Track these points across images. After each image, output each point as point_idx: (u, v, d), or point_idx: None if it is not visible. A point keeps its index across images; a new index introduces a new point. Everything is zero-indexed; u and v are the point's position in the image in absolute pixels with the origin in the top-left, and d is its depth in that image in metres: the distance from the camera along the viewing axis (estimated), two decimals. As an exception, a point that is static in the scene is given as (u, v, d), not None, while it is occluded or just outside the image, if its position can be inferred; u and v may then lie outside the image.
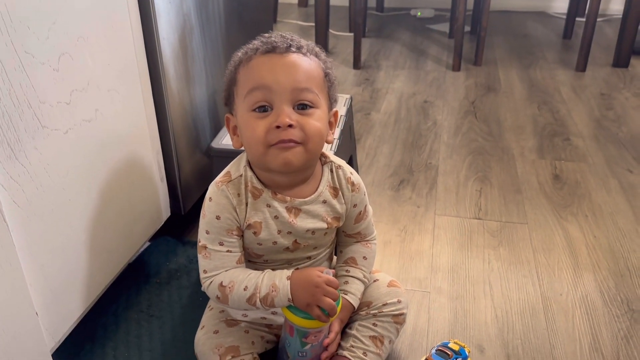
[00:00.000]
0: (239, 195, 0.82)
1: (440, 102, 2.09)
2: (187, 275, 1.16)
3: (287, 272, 0.81)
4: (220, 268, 0.83)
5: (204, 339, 0.88)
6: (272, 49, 0.78)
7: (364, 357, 0.87)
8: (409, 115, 1.98)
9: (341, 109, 1.33)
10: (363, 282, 0.92)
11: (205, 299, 1.00)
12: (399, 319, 0.91)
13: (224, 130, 1.22)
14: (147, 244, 1.22)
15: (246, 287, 0.81)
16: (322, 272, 0.80)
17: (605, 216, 1.37)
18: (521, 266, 1.20)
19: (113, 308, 1.07)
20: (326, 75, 0.82)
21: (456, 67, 2.40)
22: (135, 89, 1.02)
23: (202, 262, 0.84)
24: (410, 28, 3.11)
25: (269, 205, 0.83)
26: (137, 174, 1.06)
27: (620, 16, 2.41)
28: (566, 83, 2.27)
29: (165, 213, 1.19)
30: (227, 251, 0.84)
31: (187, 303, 1.09)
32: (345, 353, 0.87)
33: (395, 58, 2.60)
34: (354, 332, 0.89)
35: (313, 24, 2.67)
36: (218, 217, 0.82)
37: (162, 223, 1.19)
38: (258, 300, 0.80)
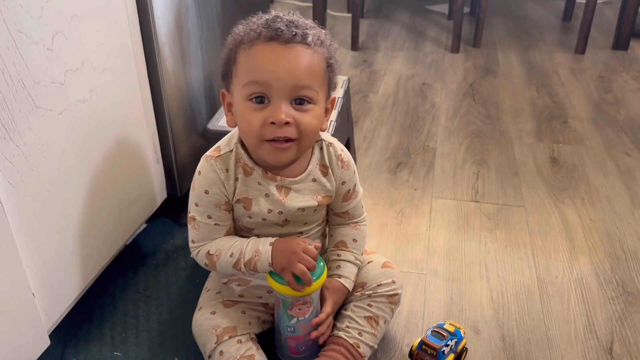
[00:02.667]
0: (227, 170, 0.83)
1: (439, 85, 2.08)
2: (184, 257, 1.16)
3: (271, 239, 0.84)
4: (207, 239, 0.86)
5: (201, 320, 0.88)
6: (275, 37, 0.74)
7: (359, 337, 0.87)
8: (407, 98, 1.97)
9: (338, 90, 1.32)
10: (355, 264, 0.92)
11: (202, 279, 1.00)
12: (393, 299, 0.92)
13: (220, 111, 1.21)
14: (144, 225, 1.22)
15: (232, 253, 0.84)
16: (304, 242, 0.81)
17: (602, 199, 1.37)
18: (517, 249, 1.20)
19: (110, 289, 1.07)
20: (329, 65, 0.79)
21: (455, 49, 2.39)
22: (130, 70, 1.01)
23: (191, 232, 0.87)
24: (409, 9, 3.08)
25: (259, 184, 0.84)
26: (133, 155, 1.05)
27: (621, -2, 2.39)
28: (565, 66, 2.26)
29: (162, 195, 1.19)
30: (215, 224, 0.85)
31: (183, 284, 1.09)
32: (341, 334, 0.87)
33: (393, 39, 2.58)
34: (349, 312, 0.90)
35: (310, 4, 2.64)
36: (206, 192, 0.83)
37: (159, 205, 1.19)
38: (242, 265, 0.83)
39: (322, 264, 0.84)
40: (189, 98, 1.21)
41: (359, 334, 0.88)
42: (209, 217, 0.85)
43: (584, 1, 2.32)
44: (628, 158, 1.56)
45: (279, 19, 0.77)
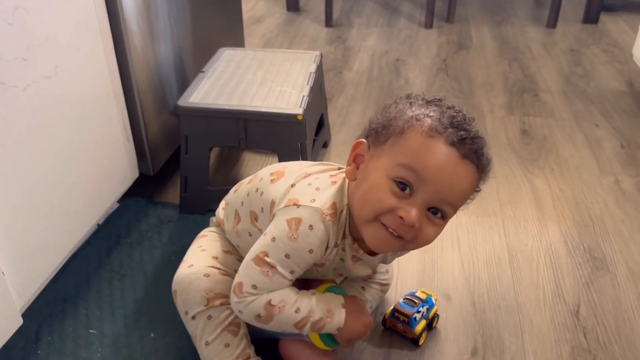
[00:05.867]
0: (337, 233, 0.77)
1: (413, 60, 2.09)
2: (158, 235, 1.15)
3: (339, 299, 0.81)
4: (273, 290, 0.77)
5: (192, 278, 0.85)
6: (458, 145, 0.69)
7: None
8: (381, 74, 1.97)
9: (311, 65, 1.32)
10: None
11: (178, 257, 0.98)
12: (384, 287, 0.95)
13: (191, 87, 1.20)
14: (117, 205, 1.21)
15: (298, 309, 0.76)
16: (367, 311, 0.85)
17: (571, 169, 1.40)
18: (488, 218, 1.22)
19: (84, 269, 1.06)
20: (476, 190, 0.75)
21: (428, 25, 2.39)
22: (96, 45, 0.99)
23: (258, 278, 0.75)
24: (383, -15, 3.06)
25: (343, 249, 0.80)
26: (102, 133, 1.04)
27: (591, -28, 2.41)
28: (537, 40, 2.28)
29: (133, 174, 1.18)
30: (290, 281, 0.77)
31: (158, 262, 1.09)
32: None
33: (367, 15, 2.57)
34: None
35: (284, -18, 2.61)
36: (311, 251, 0.75)
37: (131, 184, 1.18)
38: (309, 324, 0.77)
39: None
40: (159, 75, 1.20)
41: None
42: (292, 272, 0.76)
43: (555, -25, 2.33)
44: (597, 129, 1.59)
45: (466, 123, 0.71)
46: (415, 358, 0.90)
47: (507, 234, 1.18)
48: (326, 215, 0.74)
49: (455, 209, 0.73)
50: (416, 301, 0.91)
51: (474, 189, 0.74)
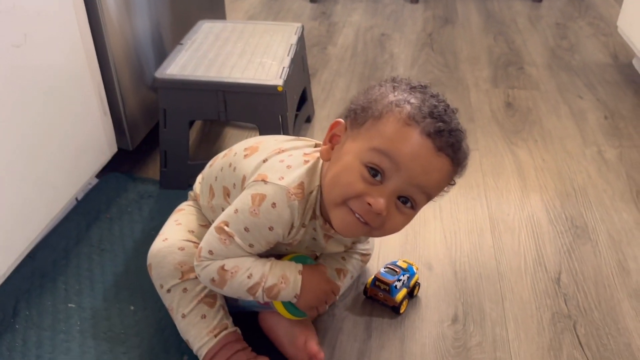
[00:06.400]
0: (303, 214, 0.76)
1: (398, 35, 2.07)
2: (138, 210, 1.14)
3: (297, 266, 0.79)
4: (230, 257, 0.77)
5: (166, 251, 0.84)
6: (434, 137, 0.67)
7: None
8: (365, 49, 1.95)
9: (292, 37, 1.30)
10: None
11: (158, 233, 0.98)
12: (365, 258, 0.95)
13: (169, 59, 1.17)
14: (96, 180, 1.20)
15: (250, 274, 0.76)
16: (329, 278, 0.83)
17: (555, 140, 1.40)
18: (470, 190, 1.22)
19: (63, 244, 1.05)
20: (450, 184, 0.75)
21: None
22: (69, 15, 0.97)
23: (215, 244, 0.76)
24: (368, -39, 3.02)
25: (314, 229, 0.80)
26: (77, 105, 1.02)
27: (577, -56, 2.39)
28: (523, 13, 2.26)
29: (112, 148, 1.16)
30: (250, 253, 0.77)
31: (139, 237, 1.08)
32: None
33: (352, -9, 2.53)
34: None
35: (267, -43, 2.57)
36: (271, 228, 0.74)
37: (109, 158, 1.16)
38: (261, 289, 0.76)
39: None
40: (136, 48, 1.18)
41: None
42: (251, 245, 0.76)
43: (541, -52, 2.31)
44: (581, 100, 1.59)
45: (447, 114, 0.70)
46: (396, 326, 0.90)
47: (490, 204, 1.18)
48: (292, 195, 0.73)
49: (426, 199, 0.72)
50: (397, 270, 0.91)
51: (448, 182, 0.73)
